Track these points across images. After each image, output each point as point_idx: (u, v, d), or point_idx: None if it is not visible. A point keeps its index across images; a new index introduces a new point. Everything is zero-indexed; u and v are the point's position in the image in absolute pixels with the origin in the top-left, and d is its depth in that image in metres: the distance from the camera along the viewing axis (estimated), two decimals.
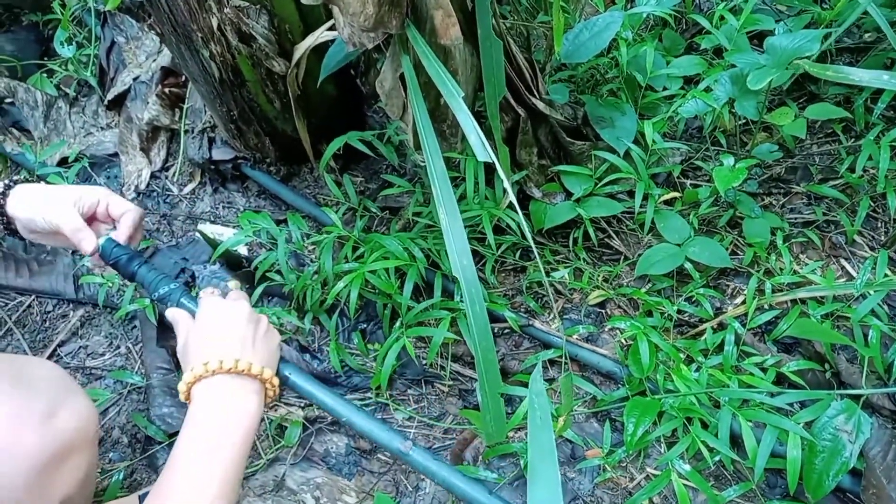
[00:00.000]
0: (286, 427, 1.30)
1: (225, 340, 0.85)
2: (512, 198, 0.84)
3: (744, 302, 1.35)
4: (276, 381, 0.89)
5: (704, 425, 1.15)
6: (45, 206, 0.93)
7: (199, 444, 0.77)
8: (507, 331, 1.39)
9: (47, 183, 1.59)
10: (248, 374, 0.84)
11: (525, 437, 1.27)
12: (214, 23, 1.23)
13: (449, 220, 0.89)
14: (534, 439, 0.61)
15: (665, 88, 1.56)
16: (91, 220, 0.99)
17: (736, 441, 1.13)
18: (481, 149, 0.83)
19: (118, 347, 1.47)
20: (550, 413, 0.69)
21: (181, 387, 0.83)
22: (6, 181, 0.95)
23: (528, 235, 0.84)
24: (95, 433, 0.82)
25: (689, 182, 1.55)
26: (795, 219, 1.48)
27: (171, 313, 0.96)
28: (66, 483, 0.75)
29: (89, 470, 0.81)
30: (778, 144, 1.56)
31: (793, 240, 1.42)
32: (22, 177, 1.78)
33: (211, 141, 1.66)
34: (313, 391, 0.98)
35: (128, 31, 1.92)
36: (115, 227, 1.01)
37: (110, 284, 1.49)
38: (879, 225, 1.48)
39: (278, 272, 1.40)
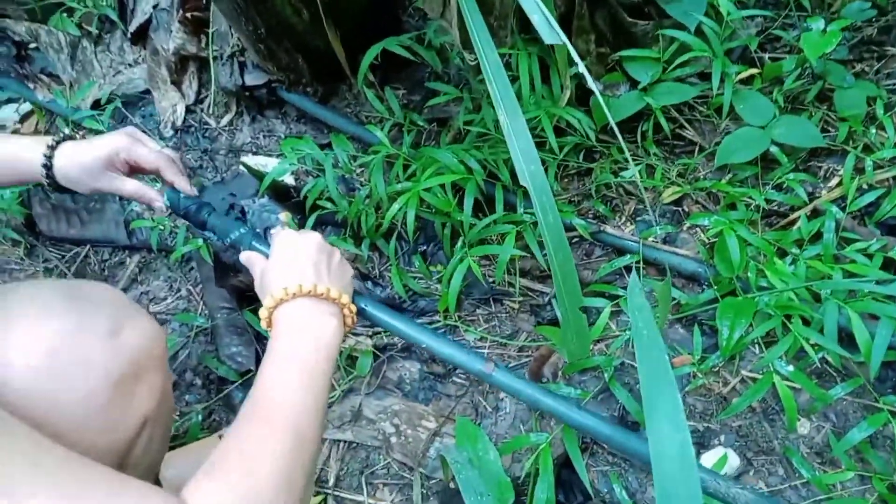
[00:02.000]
0: (357, 357, 1.26)
1: (301, 268, 0.85)
2: (590, 81, 0.72)
3: (840, 183, 1.21)
4: (353, 307, 0.88)
5: (806, 322, 1.05)
6: (92, 179, 0.93)
7: (284, 366, 0.76)
8: (576, 239, 1.30)
9: (84, 131, 1.54)
10: (328, 297, 0.83)
11: (605, 349, 1.21)
12: None
13: (510, 122, 0.79)
14: (644, 360, 0.54)
15: None
16: (132, 169, 0.97)
17: (842, 335, 1.03)
18: (548, 29, 0.71)
19: (179, 290, 1.45)
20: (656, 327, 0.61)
21: (262, 313, 0.82)
22: (50, 142, 0.92)
23: (613, 124, 0.73)
24: (164, 353, 0.81)
25: (767, 56, 1.38)
26: (893, 85, 1.31)
27: (245, 256, 0.96)
28: (142, 401, 0.74)
29: (165, 393, 0.80)
30: (868, 1, 1.37)
31: (894, 109, 1.26)
32: (59, 131, 1.73)
33: (242, 66, 1.56)
34: (389, 320, 0.96)
35: None
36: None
37: (161, 227, 1.45)
38: None
39: (329, 199, 1.33)
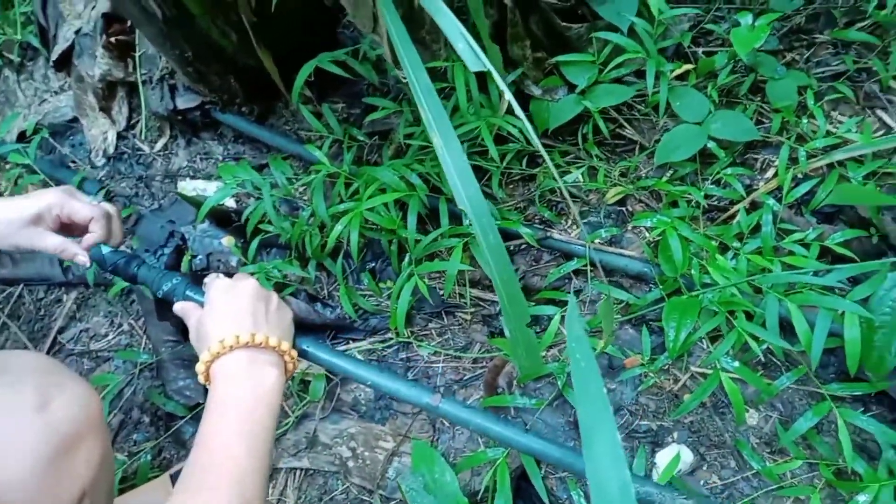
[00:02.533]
0: (309, 382, 1.24)
1: (238, 317, 0.83)
2: (511, 100, 0.71)
3: (776, 174, 1.23)
4: (294, 353, 0.86)
5: (749, 316, 1.06)
6: (15, 235, 0.89)
7: (225, 421, 0.75)
8: (523, 247, 1.29)
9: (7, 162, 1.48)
10: (266, 346, 0.82)
11: (559, 354, 1.21)
12: None
13: (446, 147, 0.77)
14: (581, 392, 0.53)
15: None
16: (63, 226, 0.95)
17: (783, 326, 1.05)
18: (473, 58, 0.70)
19: (120, 325, 1.40)
20: (591, 347, 0.60)
21: (199, 367, 0.81)
22: None
23: (535, 140, 0.72)
24: (99, 417, 0.77)
25: (700, 50, 1.40)
26: (823, 73, 1.34)
27: (179, 307, 0.93)
28: (80, 475, 0.70)
29: (104, 456, 0.76)
30: None
31: (824, 98, 1.28)
32: None
33: (172, 89, 1.51)
34: (333, 360, 0.95)
35: None
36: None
37: None
38: None
39: (271, 222, 1.29)
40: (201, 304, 0.90)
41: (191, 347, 1.27)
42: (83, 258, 0.95)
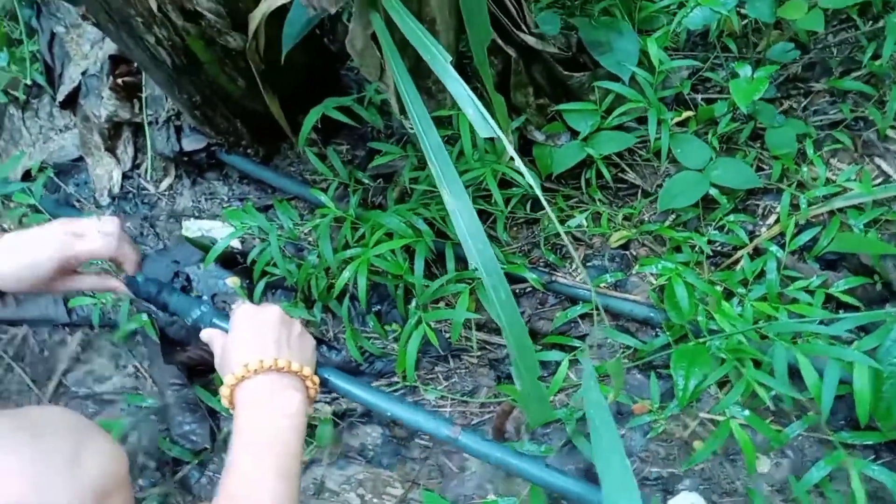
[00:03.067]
0: (316, 426, 1.23)
1: (261, 342, 0.86)
2: (513, 153, 0.72)
3: (778, 221, 1.25)
4: (316, 379, 0.89)
5: (757, 364, 1.07)
6: (51, 283, 0.91)
7: (252, 446, 0.77)
8: (529, 290, 1.30)
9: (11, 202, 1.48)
10: (289, 371, 0.84)
11: (567, 399, 1.21)
12: (153, 4, 1.08)
13: (457, 204, 0.78)
14: (603, 464, 0.53)
15: None
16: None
17: (792, 373, 1.06)
18: (483, 123, 0.72)
19: (125, 367, 1.39)
20: (602, 393, 0.61)
21: (223, 391, 0.83)
22: None
23: (536, 187, 0.73)
24: (126, 473, 0.78)
25: (700, 97, 1.43)
26: (821, 121, 1.37)
27: (206, 334, 0.96)
28: None
29: None
30: (791, 41, 1.43)
31: (823, 146, 1.31)
32: None
33: (178, 130, 1.52)
34: (353, 390, 0.99)
35: (66, 18, 1.74)
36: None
37: (103, 303, 1.39)
38: None
39: (277, 265, 1.30)
40: (226, 332, 0.92)
41: (198, 390, 1.28)
42: (123, 288, 0.99)
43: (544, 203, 0.74)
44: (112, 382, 1.38)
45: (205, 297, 1.12)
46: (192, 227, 1.53)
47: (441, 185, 0.79)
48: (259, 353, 0.84)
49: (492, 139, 1.30)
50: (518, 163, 0.74)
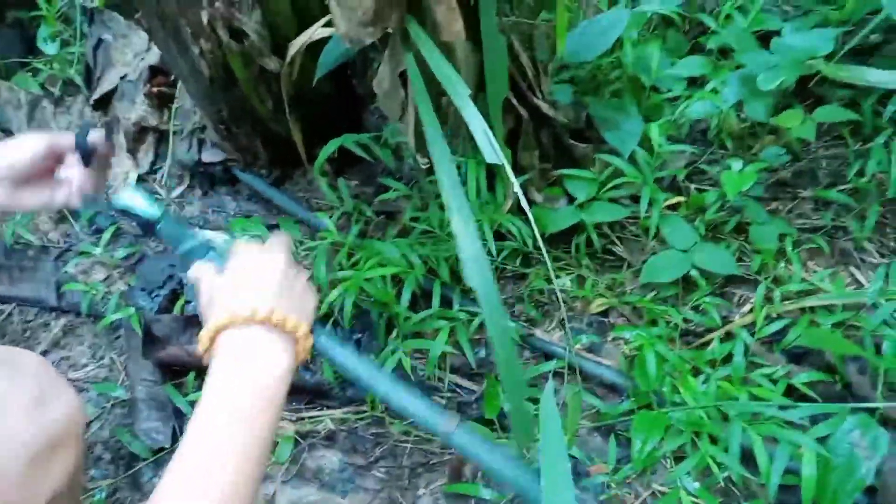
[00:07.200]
0: (277, 442, 1.24)
1: (259, 288, 0.74)
2: (522, 200, 0.79)
3: (752, 310, 1.30)
4: (308, 341, 0.77)
5: (713, 440, 1.10)
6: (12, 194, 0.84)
7: (222, 415, 0.66)
8: None
9: None
10: (283, 328, 0.72)
11: (526, 453, 1.22)
12: (204, 18, 1.17)
13: (463, 227, 0.83)
14: (548, 469, 0.56)
15: (669, 90, 1.51)
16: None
17: (746, 455, 1.08)
18: (490, 150, 0.78)
19: (102, 358, 1.41)
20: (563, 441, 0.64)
21: (203, 335, 0.72)
22: None
23: (538, 238, 0.80)
24: (82, 427, 0.77)
25: (693, 186, 1.51)
26: (803, 224, 1.44)
27: (194, 270, 0.84)
28: (55, 477, 0.70)
29: (77, 466, 0.76)
30: (784, 147, 1.52)
31: (802, 247, 1.38)
32: None
33: (201, 143, 1.60)
34: (344, 361, 0.83)
35: (116, 28, 1.85)
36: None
37: (94, 292, 1.43)
38: (889, 231, 1.43)
39: None
40: (221, 270, 0.81)
41: (169, 389, 1.30)
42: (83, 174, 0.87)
43: (545, 255, 0.80)
44: (86, 370, 1.39)
45: (202, 233, 0.94)
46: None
47: (450, 210, 0.83)
48: (254, 300, 0.72)
49: (493, 193, 1.37)
50: (526, 208, 0.79)
